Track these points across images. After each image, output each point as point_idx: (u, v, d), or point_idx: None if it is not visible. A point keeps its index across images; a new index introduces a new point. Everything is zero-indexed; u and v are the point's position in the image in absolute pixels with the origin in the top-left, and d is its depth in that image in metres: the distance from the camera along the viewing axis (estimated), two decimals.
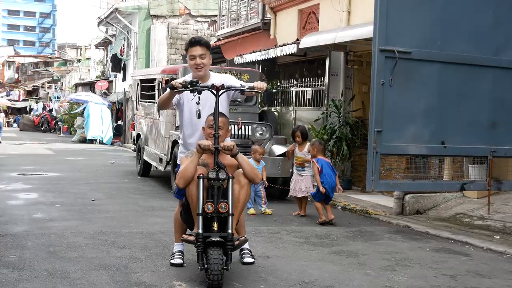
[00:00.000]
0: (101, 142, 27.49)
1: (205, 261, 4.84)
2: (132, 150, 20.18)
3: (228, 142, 5.17)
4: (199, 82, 5.17)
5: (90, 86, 38.44)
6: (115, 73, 31.30)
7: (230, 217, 4.88)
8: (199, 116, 5.34)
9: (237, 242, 5.00)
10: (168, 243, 6.47)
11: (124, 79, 29.21)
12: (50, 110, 43.96)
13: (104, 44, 38.07)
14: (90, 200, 9.74)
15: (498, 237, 7.52)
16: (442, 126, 7.90)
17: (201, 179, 4.93)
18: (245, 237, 5.28)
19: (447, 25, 7.77)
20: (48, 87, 55.53)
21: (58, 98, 46.10)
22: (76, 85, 42.69)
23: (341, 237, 7.43)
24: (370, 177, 7.55)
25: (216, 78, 5.48)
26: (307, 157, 8.95)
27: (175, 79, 11.78)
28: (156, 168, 12.85)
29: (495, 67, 8.10)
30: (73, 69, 49.58)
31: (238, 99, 12.25)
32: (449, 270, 5.85)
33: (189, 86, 5.11)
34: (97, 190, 11.07)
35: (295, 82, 14.61)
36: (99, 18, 30.26)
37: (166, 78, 11.79)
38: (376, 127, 7.45)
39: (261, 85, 5.27)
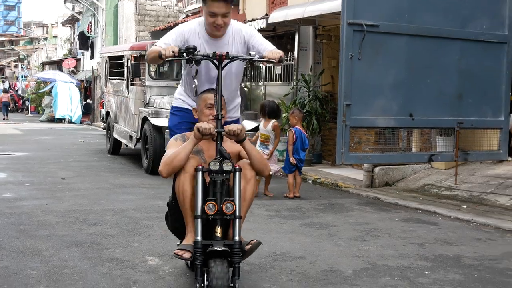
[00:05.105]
0: (69, 121, 27.23)
1: (205, 277, 3.67)
2: (102, 128, 20.02)
3: (235, 125, 3.91)
4: (197, 49, 3.95)
5: (57, 64, 37.95)
6: (82, 51, 30.95)
7: (237, 220, 3.72)
8: (195, 94, 4.17)
9: (248, 247, 3.85)
10: (139, 219, 6.48)
11: (92, 57, 28.87)
12: (17, 90, 43.30)
13: (71, 21, 37.50)
14: (60, 178, 9.66)
15: (465, 206, 7.67)
16: (410, 98, 8.00)
17: (200, 172, 3.76)
18: (257, 241, 3.93)
19: None
20: (14, 66, 54.60)
21: (25, 77, 45.39)
22: (43, 64, 42.08)
23: (312, 210, 7.51)
24: (340, 150, 7.64)
25: (237, 30, 4.31)
26: (270, 134, 8.64)
27: (144, 55, 11.87)
28: (126, 145, 12.79)
29: (462, 39, 8.21)
30: (40, 47, 48.88)
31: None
32: (418, 239, 5.97)
33: (184, 54, 3.92)
34: (67, 168, 10.98)
35: None
36: None
37: (135, 55, 11.70)
38: (345, 101, 7.52)
39: (274, 54, 4.03)
